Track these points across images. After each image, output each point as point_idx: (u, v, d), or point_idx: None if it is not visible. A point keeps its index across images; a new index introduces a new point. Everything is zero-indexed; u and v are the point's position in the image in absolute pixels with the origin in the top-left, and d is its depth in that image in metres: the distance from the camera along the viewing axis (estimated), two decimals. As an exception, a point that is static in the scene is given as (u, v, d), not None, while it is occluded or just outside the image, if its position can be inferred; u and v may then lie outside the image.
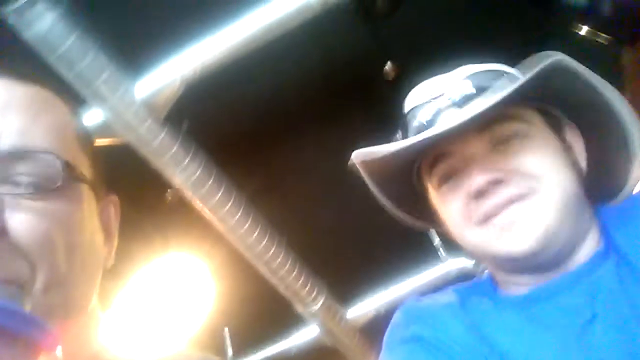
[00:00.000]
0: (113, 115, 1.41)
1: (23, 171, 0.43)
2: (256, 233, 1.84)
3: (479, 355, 0.62)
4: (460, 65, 0.82)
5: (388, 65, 1.55)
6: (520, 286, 0.69)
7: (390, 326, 0.73)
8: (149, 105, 1.42)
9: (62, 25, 1.23)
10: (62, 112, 0.51)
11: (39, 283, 0.43)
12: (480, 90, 0.70)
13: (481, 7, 1.55)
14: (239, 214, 1.75)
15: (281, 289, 2.10)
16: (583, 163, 0.71)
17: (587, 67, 0.71)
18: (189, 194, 1.62)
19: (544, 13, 1.40)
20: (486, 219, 0.67)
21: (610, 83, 0.69)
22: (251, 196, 1.78)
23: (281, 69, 1.54)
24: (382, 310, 2.40)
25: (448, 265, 2.18)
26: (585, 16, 1.39)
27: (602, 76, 0.71)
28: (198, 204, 1.65)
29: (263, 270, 1.98)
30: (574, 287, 0.65)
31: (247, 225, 1.79)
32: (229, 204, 1.70)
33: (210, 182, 1.63)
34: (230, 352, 2.50)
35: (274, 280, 2.04)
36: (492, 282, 0.75)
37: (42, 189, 0.43)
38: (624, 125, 0.69)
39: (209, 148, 1.61)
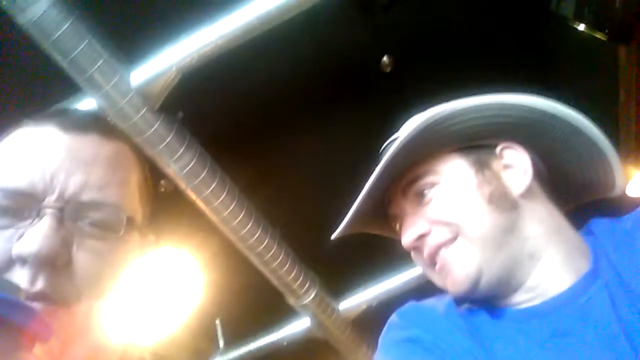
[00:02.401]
0: (107, 103, 1.39)
1: (95, 217, 0.54)
2: (249, 225, 1.83)
3: None
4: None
5: (385, 58, 1.55)
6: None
7: (386, 326, 0.73)
8: (144, 94, 1.41)
9: (57, 11, 1.22)
10: (133, 167, 0.61)
11: (80, 311, 0.53)
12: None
13: (479, 1, 1.54)
14: (233, 205, 1.75)
15: (273, 281, 2.11)
16: (523, 180, 0.71)
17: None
18: (182, 184, 1.61)
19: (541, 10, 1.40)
20: (431, 265, 0.72)
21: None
22: (245, 188, 1.77)
23: (277, 60, 1.53)
24: (374, 303, 2.41)
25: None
26: (581, 15, 1.40)
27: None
28: (191, 195, 1.65)
29: (255, 262, 1.98)
30: (564, 309, 0.65)
31: (240, 217, 1.79)
32: (223, 195, 1.70)
33: (204, 173, 1.62)
34: (222, 343, 2.50)
35: (266, 273, 2.04)
36: None
37: (105, 234, 0.54)
38: (582, 130, 0.70)
39: (203, 139, 1.60)
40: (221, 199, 1.70)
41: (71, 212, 0.53)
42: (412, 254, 0.75)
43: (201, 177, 1.62)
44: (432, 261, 0.71)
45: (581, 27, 1.28)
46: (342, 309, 2.41)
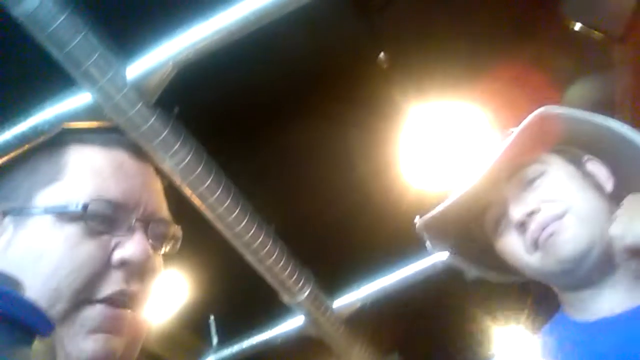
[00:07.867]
0: (102, 97, 1.39)
1: (160, 232, 0.63)
2: (245, 221, 1.83)
3: None
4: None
5: (381, 56, 1.56)
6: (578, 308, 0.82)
7: None
8: (140, 89, 1.40)
9: (52, 4, 1.21)
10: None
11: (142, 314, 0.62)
12: None
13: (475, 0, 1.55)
14: (228, 201, 1.74)
15: (268, 278, 2.10)
16: (608, 186, 0.83)
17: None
18: (178, 180, 1.61)
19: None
20: (534, 242, 0.80)
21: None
22: (241, 184, 1.77)
23: (274, 56, 1.53)
24: (368, 302, 2.41)
25: (434, 258, 2.19)
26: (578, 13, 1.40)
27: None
28: (187, 191, 1.64)
29: (250, 258, 1.98)
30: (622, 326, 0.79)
31: (235, 213, 1.78)
32: (219, 191, 1.70)
33: (200, 169, 1.62)
34: (215, 340, 2.50)
35: (261, 270, 2.04)
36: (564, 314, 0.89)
37: (161, 247, 0.64)
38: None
39: (199, 134, 1.60)
40: (217, 195, 1.69)
41: (152, 227, 0.62)
42: (513, 236, 0.82)
43: (197, 172, 1.61)
44: (535, 239, 0.79)
45: (577, 27, 1.28)
46: (336, 307, 2.41)
